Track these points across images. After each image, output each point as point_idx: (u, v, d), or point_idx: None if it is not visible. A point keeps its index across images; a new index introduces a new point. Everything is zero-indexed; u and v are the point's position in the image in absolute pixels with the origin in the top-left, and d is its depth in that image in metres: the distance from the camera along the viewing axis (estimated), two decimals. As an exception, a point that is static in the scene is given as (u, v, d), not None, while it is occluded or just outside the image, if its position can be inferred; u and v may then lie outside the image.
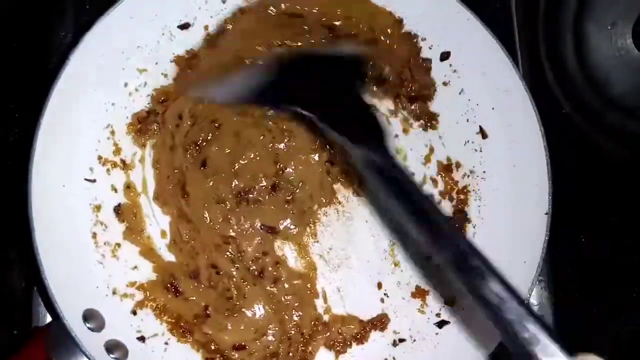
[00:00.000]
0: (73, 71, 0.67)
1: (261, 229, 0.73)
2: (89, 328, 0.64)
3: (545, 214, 0.71)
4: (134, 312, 0.69)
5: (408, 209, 0.52)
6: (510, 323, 0.42)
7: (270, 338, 0.71)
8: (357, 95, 0.63)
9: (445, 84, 0.79)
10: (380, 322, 0.74)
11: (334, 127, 0.60)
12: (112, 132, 0.72)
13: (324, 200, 0.76)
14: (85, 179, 0.70)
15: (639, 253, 0.83)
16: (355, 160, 0.59)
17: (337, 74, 0.65)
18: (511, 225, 0.75)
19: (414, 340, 0.74)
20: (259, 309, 0.72)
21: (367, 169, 0.56)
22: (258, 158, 0.74)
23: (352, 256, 0.76)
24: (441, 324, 0.75)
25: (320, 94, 0.63)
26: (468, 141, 0.78)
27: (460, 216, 0.77)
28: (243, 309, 0.71)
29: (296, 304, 0.73)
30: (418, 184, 0.54)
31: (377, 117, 0.62)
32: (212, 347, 0.70)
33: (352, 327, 0.73)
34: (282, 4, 0.74)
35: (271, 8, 0.74)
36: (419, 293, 0.76)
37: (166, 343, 0.70)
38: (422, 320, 0.75)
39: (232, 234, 0.73)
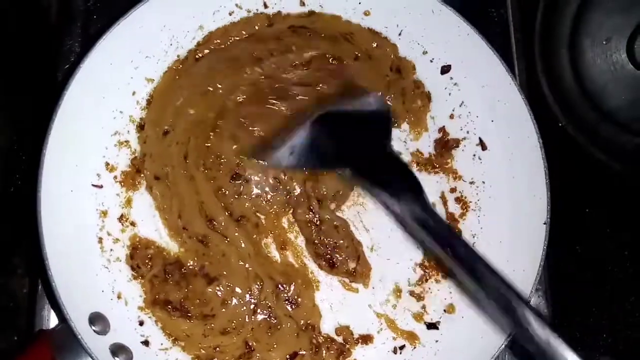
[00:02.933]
0: (83, 79, 0.68)
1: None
2: (94, 331, 0.65)
3: (544, 223, 0.73)
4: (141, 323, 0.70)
5: (449, 253, 0.58)
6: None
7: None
8: (386, 148, 0.68)
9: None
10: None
11: (371, 181, 0.66)
12: (120, 140, 0.74)
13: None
14: (92, 185, 0.71)
15: (633, 262, 0.85)
16: (394, 212, 0.63)
17: (365, 129, 0.70)
18: (510, 235, 0.76)
19: (414, 348, 0.75)
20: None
21: (409, 219, 0.61)
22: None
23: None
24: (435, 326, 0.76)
25: (351, 150, 0.68)
26: (468, 152, 0.80)
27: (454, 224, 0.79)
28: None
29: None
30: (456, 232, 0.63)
31: (410, 169, 0.68)
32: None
33: None
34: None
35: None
36: (420, 300, 0.77)
37: (170, 347, 0.70)
38: (422, 327, 0.76)
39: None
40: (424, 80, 0.80)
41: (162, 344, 0.70)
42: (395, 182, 0.63)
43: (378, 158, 0.66)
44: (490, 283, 0.56)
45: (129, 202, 0.73)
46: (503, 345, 0.70)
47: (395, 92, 0.80)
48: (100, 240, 0.71)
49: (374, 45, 0.80)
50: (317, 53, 0.78)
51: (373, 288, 0.76)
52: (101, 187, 0.72)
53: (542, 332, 0.52)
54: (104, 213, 0.71)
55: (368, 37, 0.80)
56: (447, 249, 0.59)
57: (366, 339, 0.75)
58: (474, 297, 0.75)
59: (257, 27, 0.78)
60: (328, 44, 0.79)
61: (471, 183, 0.79)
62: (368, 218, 0.78)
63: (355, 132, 0.69)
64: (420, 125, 0.80)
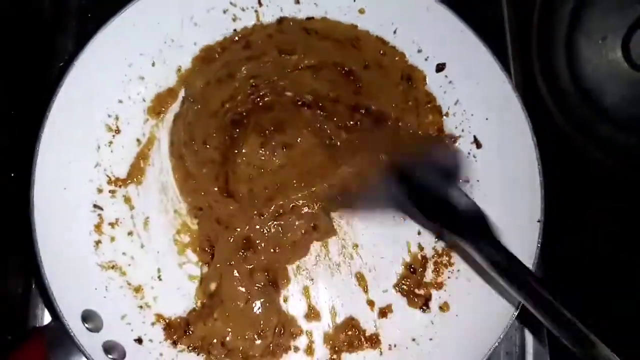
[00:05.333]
0: (77, 77, 0.69)
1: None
2: (87, 328, 0.65)
3: (538, 221, 0.72)
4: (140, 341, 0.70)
5: (522, 294, 0.60)
6: None
7: None
8: (457, 192, 0.68)
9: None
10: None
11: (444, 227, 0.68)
12: (112, 137, 0.74)
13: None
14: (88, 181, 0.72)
15: (630, 260, 0.84)
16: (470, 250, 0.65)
17: (435, 176, 0.70)
18: (504, 233, 0.75)
19: (407, 348, 0.75)
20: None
21: (482, 259, 0.63)
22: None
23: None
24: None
25: (422, 197, 0.69)
26: (463, 151, 0.79)
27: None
28: None
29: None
30: (526, 268, 0.62)
31: (480, 210, 0.67)
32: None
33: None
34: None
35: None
36: (413, 299, 0.77)
37: (160, 343, 0.70)
38: (416, 327, 0.76)
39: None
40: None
41: (155, 341, 0.70)
42: (465, 228, 0.65)
43: (446, 205, 0.67)
44: (563, 320, 0.58)
45: (126, 200, 0.74)
46: (497, 343, 0.69)
47: (410, 104, 0.80)
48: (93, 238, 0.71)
49: (381, 52, 0.80)
50: (323, 60, 0.78)
51: (367, 286, 0.76)
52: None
53: None
54: (98, 211, 0.72)
55: (375, 44, 0.80)
56: (521, 290, 0.60)
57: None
58: (469, 295, 0.75)
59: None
60: (333, 48, 0.79)
61: (466, 181, 0.79)
62: (359, 217, 0.78)
63: (424, 180, 0.70)
64: None
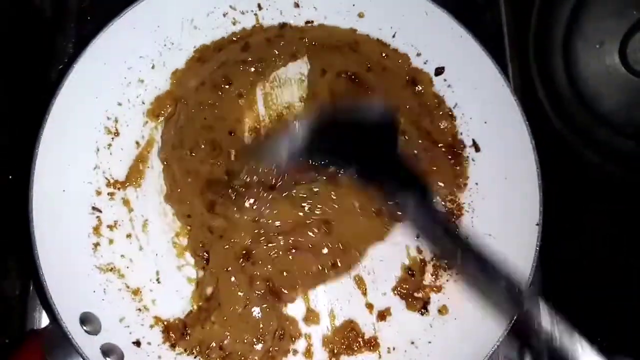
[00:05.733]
0: (76, 79, 0.69)
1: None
2: (85, 331, 0.64)
3: (536, 224, 0.73)
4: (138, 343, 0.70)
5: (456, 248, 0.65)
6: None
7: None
8: (393, 151, 0.70)
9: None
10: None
11: (375, 182, 0.69)
12: (112, 139, 0.74)
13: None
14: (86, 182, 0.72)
15: (628, 264, 0.85)
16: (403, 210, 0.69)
17: (370, 132, 0.70)
18: (503, 236, 0.76)
19: (405, 351, 0.75)
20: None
21: (414, 218, 0.67)
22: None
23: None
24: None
25: (355, 152, 0.69)
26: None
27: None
28: None
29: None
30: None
31: (416, 173, 0.69)
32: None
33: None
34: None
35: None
36: (412, 301, 0.77)
37: (158, 346, 0.70)
38: (415, 330, 0.76)
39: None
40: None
41: (153, 344, 0.70)
42: (402, 188, 0.67)
43: (387, 163, 0.68)
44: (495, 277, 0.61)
45: (125, 202, 0.74)
46: (495, 346, 0.69)
47: (421, 109, 0.80)
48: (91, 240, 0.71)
49: (383, 55, 0.80)
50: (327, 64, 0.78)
51: (366, 289, 0.76)
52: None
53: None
54: (97, 213, 0.72)
55: (375, 47, 0.80)
56: (457, 251, 0.65)
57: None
58: (467, 298, 0.75)
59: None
60: (331, 52, 0.79)
61: (464, 184, 0.79)
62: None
63: (362, 136, 0.69)
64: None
